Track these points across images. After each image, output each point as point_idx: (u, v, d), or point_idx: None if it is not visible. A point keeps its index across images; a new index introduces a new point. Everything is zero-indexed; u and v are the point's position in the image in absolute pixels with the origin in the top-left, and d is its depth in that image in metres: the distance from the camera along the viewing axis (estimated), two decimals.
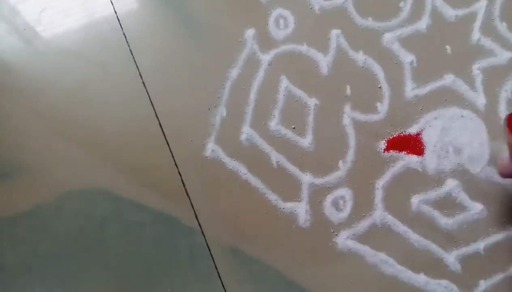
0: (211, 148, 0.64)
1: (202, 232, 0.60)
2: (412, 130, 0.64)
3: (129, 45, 0.66)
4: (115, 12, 0.68)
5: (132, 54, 0.66)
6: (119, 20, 0.67)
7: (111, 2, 0.68)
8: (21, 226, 0.64)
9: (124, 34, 0.67)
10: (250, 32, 0.67)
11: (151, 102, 0.65)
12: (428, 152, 0.63)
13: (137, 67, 0.65)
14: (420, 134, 0.64)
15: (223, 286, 0.59)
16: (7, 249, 0.63)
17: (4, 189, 0.64)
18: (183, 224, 0.61)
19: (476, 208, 0.61)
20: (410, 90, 0.65)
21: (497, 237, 0.61)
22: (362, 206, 0.61)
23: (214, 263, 0.59)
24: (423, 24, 0.66)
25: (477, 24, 0.66)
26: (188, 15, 0.68)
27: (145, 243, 0.61)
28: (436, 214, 0.61)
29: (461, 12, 0.66)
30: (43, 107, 0.66)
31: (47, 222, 0.62)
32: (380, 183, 0.62)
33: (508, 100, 0.64)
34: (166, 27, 0.68)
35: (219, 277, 0.59)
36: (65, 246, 0.62)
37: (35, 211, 0.63)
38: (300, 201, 0.62)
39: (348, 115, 0.64)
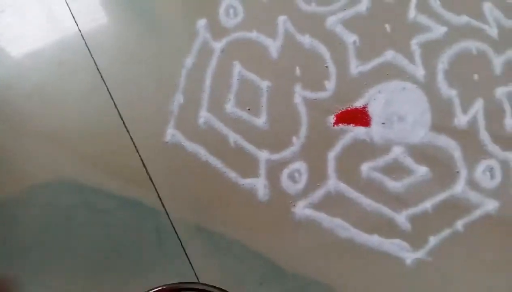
0: (171, 133, 0.68)
1: (167, 213, 0.64)
2: (358, 104, 0.69)
3: (85, 41, 0.70)
4: (70, 10, 0.71)
5: (88, 49, 0.70)
6: (74, 17, 0.71)
7: (66, 2, 0.72)
8: None
9: (79, 30, 0.70)
10: (202, 22, 0.72)
11: (109, 92, 0.68)
12: (374, 123, 0.69)
13: (94, 60, 0.69)
14: (366, 107, 0.69)
15: (190, 262, 0.63)
16: None
17: None
18: (148, 207, 0.65)
19: (421, 170, 0.67)
20: (355, 67, 0.70)
21: (443, 195, 0.66)
22: (317, 177, 0.66)
23: (180, 241, 0.63)
24: (363, 6, 0.72)
25: (413, 2, 0.72)
26: (142, 7, 0.72)
27: (112, 227, 0.64)
28: (385, 179, 0.67)
29: None
30: (4, 107, 0.69)
31: (13, 216, 0.64)
32: (332, 154, 0.67)
33: (445, 71, 0.70)
34: (122, 20, 0.71)
35: (186, 254, 0.63)
36: (33, 238, 0.64)
37: (2, 205, 0.65)
38: (259, 176, 0.66)
39: (299, 94, 0.70)
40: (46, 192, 0.62)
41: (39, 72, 0.65)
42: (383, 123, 0.63)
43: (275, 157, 0.62)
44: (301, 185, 0.62)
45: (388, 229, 0.61)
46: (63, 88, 0.64)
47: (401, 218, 0.61)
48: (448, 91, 0.65)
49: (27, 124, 0.63)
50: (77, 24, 0.64)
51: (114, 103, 0.63)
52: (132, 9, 0.64)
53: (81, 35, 0.63)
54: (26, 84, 0.64)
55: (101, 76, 0.63)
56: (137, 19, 0.64)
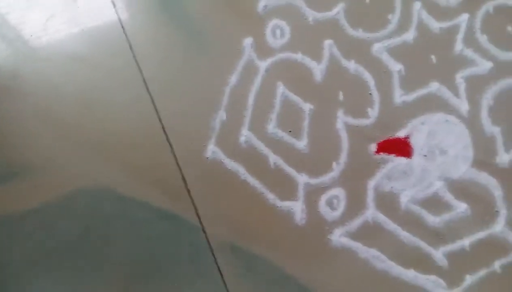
0: (212, 150, 0.68)
1: (203, 229, 0.65)
2: (401, 134, 0.70)
3: (133, 52, 0.71)
4: (120, 21, 0.73)
5: (136, 60, 0.71)
6: (123, 28, 0.73)
7: (116, 11, 0.74)
8: (29, 223, 0.67)
9: (128, 41, 0.72)
10: (248, 41, 0.73)
11: (154, 105, 0.70)
12: (415, 154, 0.69)
13: (141, 72, 0.70)
14: (408, 138, 0.70)
15: (223, 280, 0.63)
16: (15, 245, 0.66)
17: (13, 188, 0.68)
18: (185, 221, 0.65)
19: (461, 207, 0.67)
20: (399, 96, 0.71)
21: (481, 234, 0.66)
22: (355, 205, 0.66)
23: (215, 258, 0.64)
24: (410, 35, 0.73)
25: (460, 36, 0.72)
26: (190, 24, 0.73)
27: (148, 239, 0.65)
28: (424, 212, 0.67)
29: (445, 24, 0.73)
30: (49, 111, 0.70)
31: (54, 220, 0.65)
32: (372, 183, 0.68)
33: (489, 107, 0.70)
34: (170, 35, 0.73)
35: (220, 272, 0.64)
36: (71, 242, 0.65)
37: (43, 209, 0.65)
38: (296, 200, 0.66)
39: (341, 119, 0.70)
40: (86, 199, 0.63)
41: (85, 78, 0.66)
42: (425, 155, 0.63)
43: (314, 181, 0.63)
44: (338, 212, 0.62)
45: (425, 264, 0.60)
46: (108, 96, 0.65)
47: (438, 254, 0.61)
48: (491, 128, 0.65)
49: (70, 130, 0.64)
50: (126, 35, 0.65)
51: (158, 116, 0.64)
52: (181, 24, 0.65)
53: (130, 45, 0.65)
54: (72, 89, 0.65)
55: (147, 88, 0.64)
56: (185, 35, 0.65)
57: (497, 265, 0.58)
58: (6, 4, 0.66)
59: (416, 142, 0.61)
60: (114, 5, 0.62)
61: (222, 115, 0.60)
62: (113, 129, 0.59)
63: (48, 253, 0.56)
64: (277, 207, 0.58)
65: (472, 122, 0.62)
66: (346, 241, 0.58)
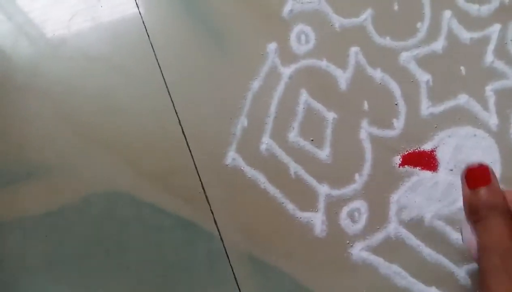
0: (232, 156, 0.68)
1: (221, 238, 0.65)
2: (427, 147, 0.68)
3: (155, 54, 0.71)
4: (143, 22, 0.73)
5: (158, 62, 0.71)
6: (146, 30, 0.72)
7: (139, 12, 0.74)
8: (45, 226, 0.67)
9: (150, 43, 0.72)
10: (272, 46, 0.72)
11: (174, 109, 0.70)
12: (441, 168, 0.68)
13: (162, 75, 0.70)
14: (434, 151, 0.68)
15: (240, 290, 0.63)
16: (30, 247, 0.67)
17: (29, 189, 0.68)
18: (202, 229, 0.65)
19: None
20: (426, 108, 0.70)
21: None
22: (377, 219, 0.65)
23: (232, 268, 0.63)
24: (439, 45, 0.71)
25: (491, 47, 0.71)
26: (213, 27, 0.73)
27: (165, 246, 0.65)
28: (448, 229, 0.66)
29: (475, 35, 0.71)
30: (68, 111, 0.70)
31: (70, 223, 0.66)
32: (395, 197, 0.67)
33: None
34: (192, 37, 0.73)
35: (236, 282, 0.63)
36: (86, 246, 0.65)
37: (59, 211, 0.66)
38: (317, 211, 0.66)
39: (365, 130, 0.69)
40: (101, 202, 0.63)
41: (106, 78, 0.66)
42: (451, 170, 0.62)
43: (336, 192, 0.62)
44: (360, 225, 0.62)
45: (447, 282, 0.59)
46: (128, 98, 0.65)
47: (462, 272, 0.60)
48: None
49: (89, 131, 0.64)
50: (148, 37, 0.65)
51: (179, 120, 0.63)
52: (203, 27, 0.65)
53: (152, 48, 0.65)
54: (94, 90, 0.65)
55: (168, 91, 0.64)
56: (207, 37, 0.65)
57: None
58: (28, 1, 0.66)
59: (443, 156, 0.60)
60: (138, 6, 0.62)
61: (243, 121, 0.60)
62: (132, 133, 0.59)
63: (63, 257, 0.57)
64: (297, 217, 0.57)
65: (501, 137, 0.61)
66: (367, 256, 0.57)
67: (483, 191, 0.30)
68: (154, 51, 0.63)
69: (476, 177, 0.31)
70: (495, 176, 0.31)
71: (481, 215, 0.29)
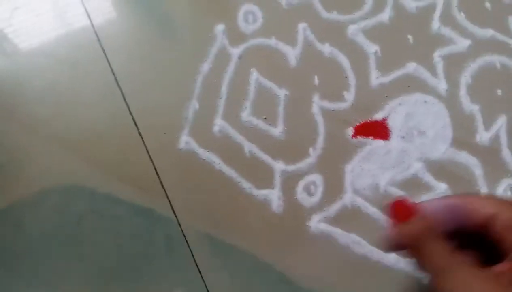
0: (185, 140, 0.69)
1: (178, 222, 0.65)
2: (378, 116, 0.70)
3: (101, 44, 0.72)
4: (86, 11, 0.73)
5: (103, 51, 0.71)
6: (89, 18, 0.72)
7: (82, 2, 0.74)
8: None
9: (95, 32, 0.72)
10: (220, 27, 0.73)
11: (124, 97, 0.70)
12: (393, 136, 0.70)
13: (109, 63, 0.71)
14: (386, 120, 0.70)
15: (200, 274, 0.64)
16: None
17: None
18: (159, 215, 0.66)
19: (441, 187, 0.68)
20: (375, 78, 0.71)
21: None
22: (333, 190, 0.67)
23: (191, 251, 0.64)
24: (385, 15, 0.73)
25: (437, 14, 0.73)
26: (159, 11, 0.73)
27: (123, 235, 0.66)
28: (403, 194, 0.68)
29: (421, 3, 0.73)
30: (16, 107, 0.70)
31: (22, 219, 0.66)
32: (349, 167, 0.69)
33: (468, 85, 0.71)
34: (138, 23, 0.73)
35: (196, 265, 0.64)
36: (42, 242, 0.66)
37: (10, 208, 0.66)
38: (273, 188, 0.67)
39: (317, 104, 0.71)
40: (55, 196, 0.63)
41: (51, 72, 0.66)
42: (403, 137, 0.64)
43: (291, 168, 0.64)
44: (316, 198, 0.63)
45: None
46: (76, 90, 0.65)
47: None
48: (470, 106, 0.66)
49: (38, 126, 0.64)
50: (92, 25, 0.65)
51: (128, 108, 0.64)
52: (149, 12, 0.66)
53: (96, 35, 0.65)
54: (38, 84, 0.65)
55: (115, 79, 0.65)
56: (153, 22, 0.65)
57: None
58: None
59: (394, 124, 0.62)
60: None
61: (194, 105, 0.61)
62: (82, 124, 0.59)
63: (18, 254, 0.57)
64: (254, 195, 0.59)
65: (450, 101, 0.63)
66: (325, 227, 0.58)
67: (409, 225, 0.30)
68: (99, 41, 0.63)
69: (398, 212, 0.31)
70: (415, 204, 0.33)
71: (417, 248, 0.29)
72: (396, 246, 0.34)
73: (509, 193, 0.59)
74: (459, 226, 0.35)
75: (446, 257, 0.31)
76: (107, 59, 0.64)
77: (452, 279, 0.30)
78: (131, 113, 0.62)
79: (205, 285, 0.58)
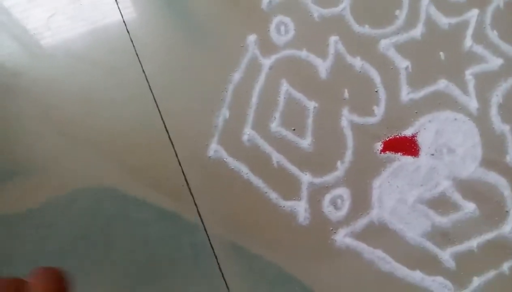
0: (214, 148, 0.70)
1: (205, 229, 0.67)
2: (408, 132, 0.71)
3: (135, 49, 0.74)
4: (122, 18, 0.75)
5: (138, 57, 0.73)
6: (126, 25, 0.75)
7: (118, 8, 0.76)
8: (30, 223, 0.69)
9: (131, 38, 0.74)
10: (252, 38, 0.74)
11: (156, 103, 0.72)
12: (423, 153, 0.70)
13: (143, 70, 0.73)
14: (415, 136, 0.71)
15: (225, 281, 0.65)
16: (15, 244, 0.69)
17: (14, 187, 0.70)
18: (186, 222, 0.67)
19: (469, 207, 0.68)
20: (406, 94, 0.72)
21: (490, 235, 0.67)
22: (360, 205, 0.68)
23: (217, 259, 0.66)
24: (417, 31, 0.74)
25: (469, 31, 0.73)
26: (193, 20, 0.75)
27: (150, 240, 0.67)
28: (430, 212, 0.68)
29: (454, 20, 0.74)
30: (50, 109, 0.73)
31: (54, 219, 0.68)
32: (377, 183, 0.69)
33: (499, 105, 0.71)
34: (172, 32, 0.75)
35: (221, 272, 0.65)
36: (72, 242, 0.68)
37: (43, 208, 0.68)
38: (300, 199, 0.68)
39: (346, 117, 0.72)
40: (86, 198, 0.65)
41: (86, 75, 0.68)
42: (432, 154, 0.65)
43: (318, 180, 0.64)
44: (343, 212, 0.64)
45: (431, 265, 0.61)
46: (109, 94, 0.67)
47: (445, 255, 0.62)
48: (501, 126, 0.66)
49: (72, 128, 0.66)
50: (127, 29, 0.67)
51: (160, 114, 0.66)
52: (183, 20, 0.67)
53: (131, 40, 0.67)
54: (73, 87, 0.67)
55: (148, 84, 0.66)
56: (187, 30, 0.67)
57: (506, 266, 0.59)
58: (9, 1, 0.68)
59: (424, 141, 0.62)
60: (117, 2, 0.64)
61: (225, 113, 0.62)
62: (114, 127, 0.61)
63: (49, 254, 0.59)
64: (280, 206, 0.59)
65: (481, 120, 0.63)
66: (351, 242, 0.59)
67: None
68: (134, 47, 0.65)
69: None
70: None
71: None
72: None
73: None
74: None
75: None
76: (140, 64, 0.66)
77: None
78: (162, 119, 0.64)
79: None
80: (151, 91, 0.64)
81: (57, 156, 0.63)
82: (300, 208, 0.60)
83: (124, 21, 0.66)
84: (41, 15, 0.68)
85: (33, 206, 0.62)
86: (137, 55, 0.65)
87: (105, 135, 0.64)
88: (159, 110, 0.63)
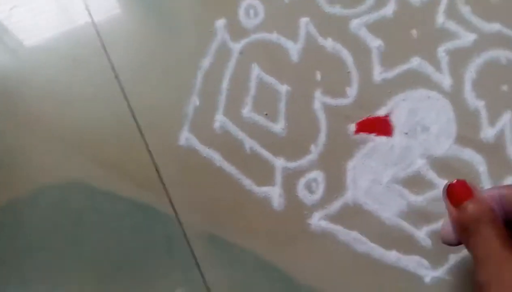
0: (185, 137, 0.69)
1: (178, 220, 0.66)
2: (381, 112, 0.70)
3: (100, 38, 0.72)
4: (87, 8, 0.73)
5: (104, 48, 0.72)
6: (91, 15, 0.73)
7: None
8: None
9: (95, 27, 0.72)
10: (220, 22, 0.73)
11: (124, 94, 0.70)
12: (396, 132, 0.70)
13: (109, 59, 0.71)
14: (389, 116, 0.70)
15: (200, 272, 0.65)
16: None
17: None
18: (159, 213, 0.66)
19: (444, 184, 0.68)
20: (378, 74, 0.71)
21: None
22: (334, 187, 0.67)
23: (191, 249, 0.65)
24: (389, 9, 0.72)
25: (442, 8, 0.72)
26: (160, 7, 0.73)
27: (122, 233, 0.66)
28: (405, 191, 0.68)
29: None
30: (15, 104, 0.71)
31: (22, 216, 0.66)
32: (351, 164, 0.69)
33: (473, 81, 0.71)
34: (137, 18, 0.73)
35: (197, 263, 0.65)
36: (41, 240, 0.66)
37: (9, 206, 0.66)
38: (274, 185, 0.67)
39: (319, 100, 0.71)
40: (55, 193, 0.64)
41: (52, 68, 0.66)
42: (406, 133, 0.64)
43: (292, 165, 0.64)
44: (317, 195, 0.63)
45: (407, 245, 0.61)
46: (76, 86, 0.65)
47: (421, 234, 0.62)
48: (475, 102, 0.65)
49: (38, 122, 0.65)
50: (92, 20, 0.66)
51: (128, 104, 0.64)
52: (149, 6, 0.66)
53: (96, 31, 0.65)
54: (39, 80, 0.65)
55: (115, 75, 0.65)
56: (153, 17, 0.65)
57: None
58: None
59: (397, 120, 0.62)
60: None
61: (195, 101, 0.61)
62: (82, 120, 0.60)
63: (17, 252, 0.57)
64: (254, 193, 0.59)
65: (455, 97, 0.63)
66: (326, 225, 0.59)
67: (468, 206, 0.30)
68: (99, 36, 0.64)
69: (457, 193, 0.32)
70: (475, 187, 0.35)
71: (471, 230, 0.29)
72: (459, 231, 0.34)
73: None
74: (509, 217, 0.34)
75: (501, 245, 0.30)
76: (107, 55, 0.64)
77: (504, 269, 0.29)
78: (131, 109, 0.63)
79: (205, 283, 0.58)
80: (118, 81, 0.62)
81: (23, 152, 0.62)
82: (275, 193, 0.59)
83: (88, 11, 0.64)
84: (2, 7, 0.66)
85: None
86: (103, 45, 0.63)
87: (72, 129, 0.62)
88: (126, 100, 0.62)
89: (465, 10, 0.65)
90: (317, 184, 0.61)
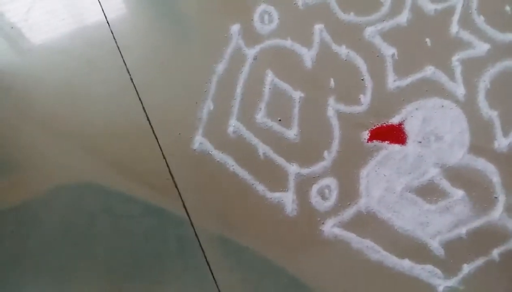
0: (199, 141, 0.70)
1: (191, 223, 0.66)
2: (395, 120, 0.71)
3: (116, 42, 0.73)
4: (102, 10, 0.74)
5: (119, 50, 0.72)
6: (106, 17, 0.73)
7: (98, 1, 0.75)
8: (10, 221, 0.68)
9: (111, 30, 0.73)
10: (235, 28, 0.73)
11: (138, 97, 0.71)
12: (410, 141, 0.70)
13: (124, 63, 0.71)
14: (402, 124, 0.70)
15: (212, 274, 0.65)
16: None
17: None
18: (172, 215, 0.66)
19: (458, 194, 0.68)
20: (392, 82, 0.72)
21: (479, 222, 0.67)
22: (348, 194, 0.67)
23: (203, 252, 0.65)
24: (403, 18, 0.73)
25: (456, 17, 0.73)
26: (175, 11, 0.74)
27: (135, 234, 0.66)
28: (419, 200, 0.68)
29: (440, 6, 0.73)
30: (30, 104, 0.71)
31: (36, 216, 0.67)
32: (365, 172, 0.69)
33: (487, 90, 0.71)
34: (153, 23, 0.73)
35: (208, 265, 0.65)
36: (54, 239, 0.66)
37: (24, 205, 0.67)
38: (287, 190, 0.68)
39: (332, 107, 0.71)
40: (70, 194, 0.64)
41: (68, 69, 0.66)
42: (419, 142, 0.64)
43: (305, 171, 0.64)
44: (330, 202, 0.63)
45: (421, 253, 0.61)
46: (91, 88, 0.66)
47: (435, 243, 0.62)
48: (489, 112, 0.66)
49: (52, 123, 0.65)
50: (108, 23, 0.66)
51: (143, 107, 0.65)
52: (165, 12, 0.66)
53: (112, 34, 0.66)
54: (53, 82, 0.66)
55: (130, 78, 0.65)
56: (169, 22, 0.66)
57: (495, 253, 0.59)
58: None
59: (411, 128, 0.62)
60: None
61: (209, 105, 0.61)
62: (96, 122, 0.60)
63: (31, 251, 0.58)
64: (267, 198, 0.59)
65: (468, 106, 0.63)
66: (339, 232, 0.59)
67: None
68: (114, 39, 0.64)
69: None
70: None
71: None
72: None
73: None
74: None
75: None
76: (122, 57, 0.65)
77: None
78: (145, 112, 0.63)
79: (217, 285, 0.58)
80: (133, 84, 0.63)
81: (38, 152, 0.62)
82: (288, 199, 0.59)
83: (104, 14, 0.65)
84: (18, 10, 0.67)
85: (14, 203, 0.61)
86: (118, 48, 0.64)
87: (88, 130, 0.63)
88: (142, 103, 0.62)
89: (479, 20, 0.65)
90: (330, 191, 0.62)
